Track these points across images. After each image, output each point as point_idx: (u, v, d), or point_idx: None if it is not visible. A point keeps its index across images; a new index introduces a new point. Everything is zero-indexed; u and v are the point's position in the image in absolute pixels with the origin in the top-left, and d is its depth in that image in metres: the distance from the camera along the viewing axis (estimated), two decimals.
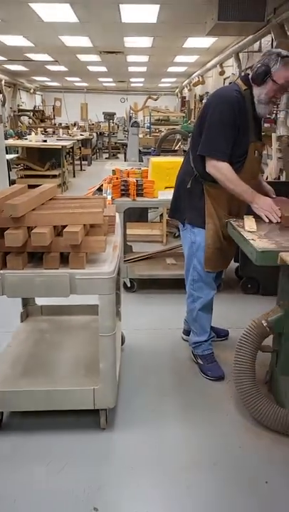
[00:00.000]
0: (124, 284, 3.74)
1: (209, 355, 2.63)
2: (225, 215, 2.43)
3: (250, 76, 2.33)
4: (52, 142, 9.09)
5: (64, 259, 1.90)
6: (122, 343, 2.78)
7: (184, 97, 16.56)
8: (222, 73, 9.67)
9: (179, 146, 7.23)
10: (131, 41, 8.77)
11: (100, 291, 1.88)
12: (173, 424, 2.21)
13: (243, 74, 2.52)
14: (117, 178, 3.62)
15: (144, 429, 2.16)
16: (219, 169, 2.29)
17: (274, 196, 2.64)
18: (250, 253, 2.05)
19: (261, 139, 2.49)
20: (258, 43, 7.53)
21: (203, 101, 11.91)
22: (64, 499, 1.77)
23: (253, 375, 2.13)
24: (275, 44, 6.00)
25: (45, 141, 9.04)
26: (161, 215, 5.41)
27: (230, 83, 2.56)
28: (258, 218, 2.35)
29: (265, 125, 6.42)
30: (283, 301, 2.19)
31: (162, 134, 7.44)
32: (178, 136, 7.38)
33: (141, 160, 6.42)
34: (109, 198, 3.31)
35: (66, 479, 1.86)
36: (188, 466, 1.94)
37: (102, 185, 3.53)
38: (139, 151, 7.43)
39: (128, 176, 3.74)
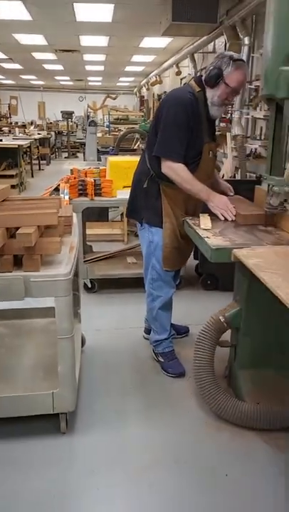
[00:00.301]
0: (85, 284, 3.71)
1: (170, 352, 2.65)
2: (182, 214, 2.45)
3: (203, 78, 2.35)
4: (8, 141, 8.88)
5: (18, 262, 1.85)
6: (83, 344, 2.76)
7: (143, 97, 16.60)
8: (178, 73, 9.77)
9: (138, 146, 7.26)
10: (87, 40, 8.69)
11: (56, 294, 1.85)
12: (135, 423, 2.21)
13: (197, 75, 2.56)
14: (74, 178, 3.59)
15: (106, 430, 2.15)
16: (174, 170, 2.30)
17: (231, 194, 2.69)
18: (205, 251, 2.09)
19: (215, 140, 2.52)
20: (212, 43, 7.65)
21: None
22: (24, 505, 1.73)
23: (212, 371, 2.16)
24: (228, 45, 6.12)
25: (0, 140, 8.82)
26: (122, 214, 5.40)
27: (184, 84, 2.58)
28: (213, 216, 2.39)
29: (221, 124, 6.55)
30: (239, 297, 2.24)
31: (121, 133, 7.43)
32: (137, 135, 7.40)
33: (100, 159, 6.39)
34: (66, 198, 3.27)
35: (26, 486, 1.82)
36: (150, 465, 1.95)
37: (59, 185, 3.48)
38: (98, 150, 7.40)
39: (86, 176, 3.71)
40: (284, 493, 1.80)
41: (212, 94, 2.32)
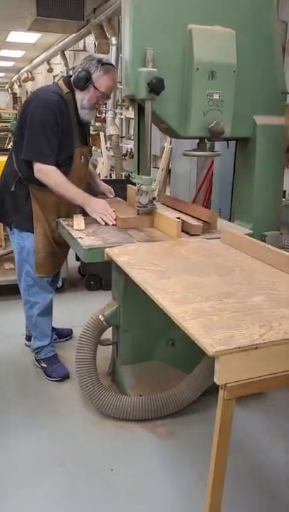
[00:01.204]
0: None
1: (52, 356, 2.59)
2: (54, 219, 2.38)
3: (72, 79, 2.27)
4: None
5: None
6: None
7: (15, 94, 15.98)
8: (50, 70, 9.61)
9: (12, 145, 6.95)
10: None
11: None
12: (18, 434, 2.12)
13: (65, 75, 2.47)
14: None
15: None
16: (46, 174, 2.20)
17: (111, 196, 2.65)
18: (78, 251, 2.08)
19: (87, 144, 2.46)
20: (82, 41, 7.66)
21: None
22: None
23: (94, 370, 2.17)
24: (96, 44, 6.17)
25: None
26: None
27: (53, 82, 2.50)
28: (89, 217, 2.34)
29: (96, 124, 6.60)
30: (117, 295, 2.28)
31: None
32: (10, 135, 7.08)
33: None
34: None
35: None
36: (35, 475, 1.89)
37: None
38: None
39: None
40: (167, 480, 1.88)
41: (81, 97, 2.26)
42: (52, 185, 2.23)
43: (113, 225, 2.28)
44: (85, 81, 2.21)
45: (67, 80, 2.31)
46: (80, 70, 2.23)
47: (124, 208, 2.50)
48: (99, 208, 2.30)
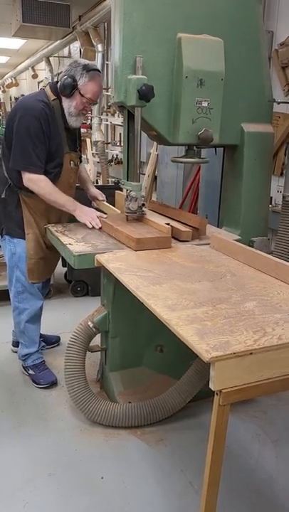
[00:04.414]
0: None
1: (40, 363, 2.56)
2: (45, 224, 2.37)
3: (58, 86, 2.26)
4: None
5: None
6: None
7: None
8: (35, 76, 9.57)
9: (0, 152, 6.89)
10: None
11: None
12: (6, 443, 2.09)
13: (51, 82, 2.44)
14: None
15: None
16: (36, 183, 2.20)
17: (102, 198, 2.64)
18: (68, 257, 2.06)
19: (77, 150, 2.45)
20: (67, 48, 7.66)
21: None
22: None
23: (83, 377, 2.15)
24: (82, 51, 6.18)
25: None
26: None
27: (40, 89, 2.47)
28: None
29: (82, 130, 6.59)
30: (106, 301, 2.27)
31: None
32: None
33: None
34: None
35: None
36: (24, 483, 1.86)
37: None
38: None
39: None
40: (157, 487, 1.87)
41: (68, 105, 2.25)
42: (41, 193, 2.23)
43: (122, 242, 2.14)
44: (70, 88, 2.20)
45: (53, 86, 2.29)
46: (65, 76, 2.22)
47: (135, 227, 2.26)
48: (88, 214, 2.32)
